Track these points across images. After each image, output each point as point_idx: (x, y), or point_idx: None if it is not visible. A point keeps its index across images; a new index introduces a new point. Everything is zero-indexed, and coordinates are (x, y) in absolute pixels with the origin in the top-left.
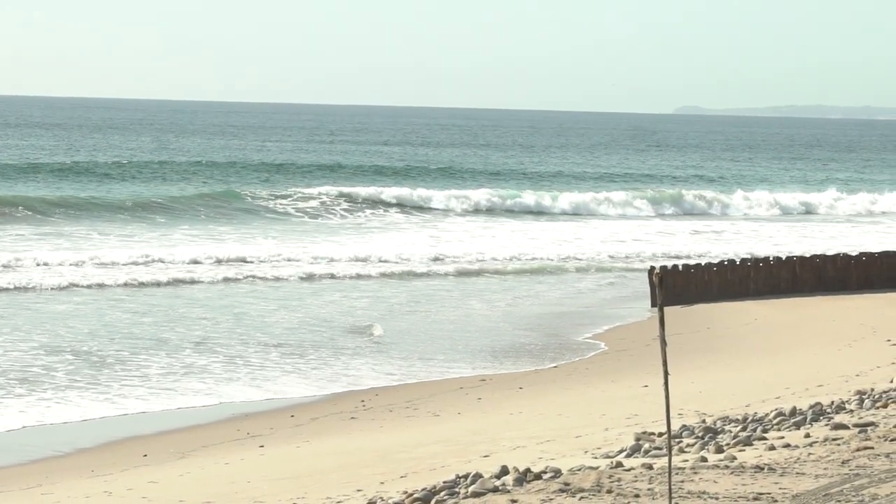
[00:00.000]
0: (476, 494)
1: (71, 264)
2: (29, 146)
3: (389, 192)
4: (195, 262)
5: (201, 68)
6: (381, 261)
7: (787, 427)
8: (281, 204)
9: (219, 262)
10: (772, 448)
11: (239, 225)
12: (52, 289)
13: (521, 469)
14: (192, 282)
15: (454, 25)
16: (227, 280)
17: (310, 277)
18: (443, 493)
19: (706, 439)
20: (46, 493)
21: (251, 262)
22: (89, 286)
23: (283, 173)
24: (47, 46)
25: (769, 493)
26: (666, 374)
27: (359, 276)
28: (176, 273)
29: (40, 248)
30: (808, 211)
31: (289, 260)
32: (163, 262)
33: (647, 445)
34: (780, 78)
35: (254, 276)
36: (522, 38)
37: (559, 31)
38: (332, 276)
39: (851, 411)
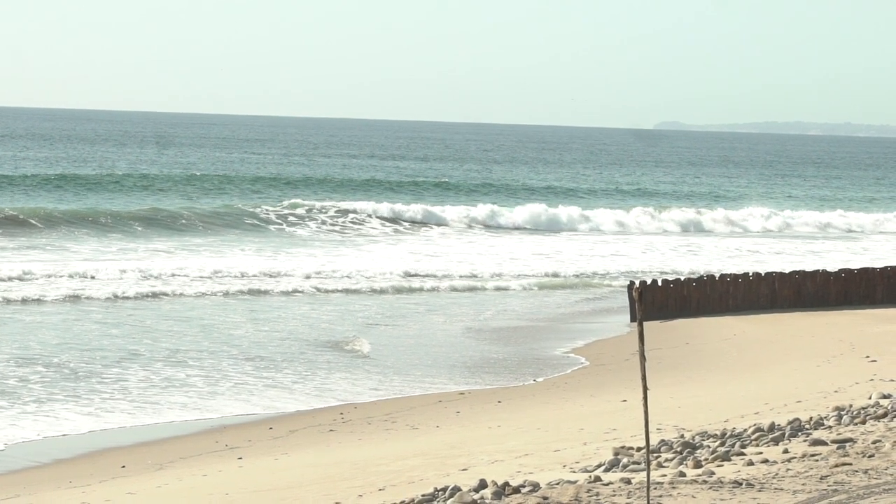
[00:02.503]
0: None
1: (42, 276)
2: (11, 157)
3: (369, 206)
4: (165, 274)
5: (186, 80)
6: (355, 275)
7: (766, 443)
8: (263, 212)
9: (192, 274)
10: (750, 463)
11: (217, 237)
12: (20, 301)
13: (500, 483)
14: (158, 295)
15: (428, 38)
16: (198, 293)
17: (284, 291)
18: None
19: (684, 454)
20: (25, 503)
21: (226, 274)
22: (60, 299)
23: (267, 185)
24: (30, 58)
25: None
26: (645, 388)
27: (337, 291)
28: (147, 285)
29: (12, 260)
30: (790, 227)
31: (265, 273)
32: (141, 272)
33: (625, 460)
34: (759, 94)
35: (228, 291)
36: (498, 51)
37: (536, 44)
38: (316, 290)
39: (830, 427)
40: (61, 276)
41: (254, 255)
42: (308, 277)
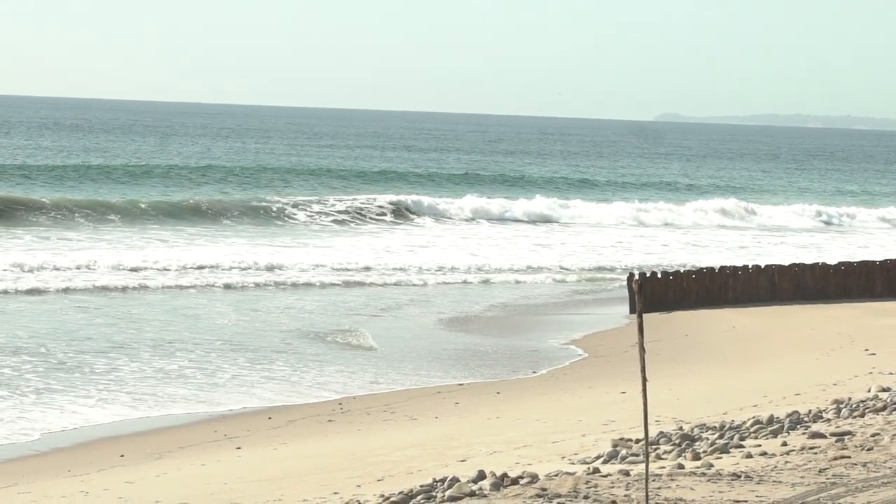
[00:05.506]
0: (453, 499)
1: (32, 266)
2: (11, 145)
3: (368, 198)
4: (151, 265)
5: (191, 70)
6: (354, 267)
7: (764, 435)
8: (262, 202)
9: (182, 266)
10: (749, 456)
11: (213, 226)
12: (5, 292)
13: (498, 474)
14: (142, 287)
15: (427, 30)
16: (182, 286)
17: (283, 283)
18: (420, 497)
19: (683, 446)
20: (23, 492)
21: (217, 265)
22: (42, 290)
23: (269, 176)
24: (32, 46)
25: (746, 501)
26: (644, 380)
27: (335, 283)
28: (138, 276)
29: (9, 250)
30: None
31: (260, 265)
32: (125, 263)
33: (624, 452)
34: (760, 86)
35: (215, 283)
36: (495, 43)
37: (534, 36)
38: (313, 282)
39: (829, 420)
40: (48, 267)
41: (247, 246)
42: (305, 269)
